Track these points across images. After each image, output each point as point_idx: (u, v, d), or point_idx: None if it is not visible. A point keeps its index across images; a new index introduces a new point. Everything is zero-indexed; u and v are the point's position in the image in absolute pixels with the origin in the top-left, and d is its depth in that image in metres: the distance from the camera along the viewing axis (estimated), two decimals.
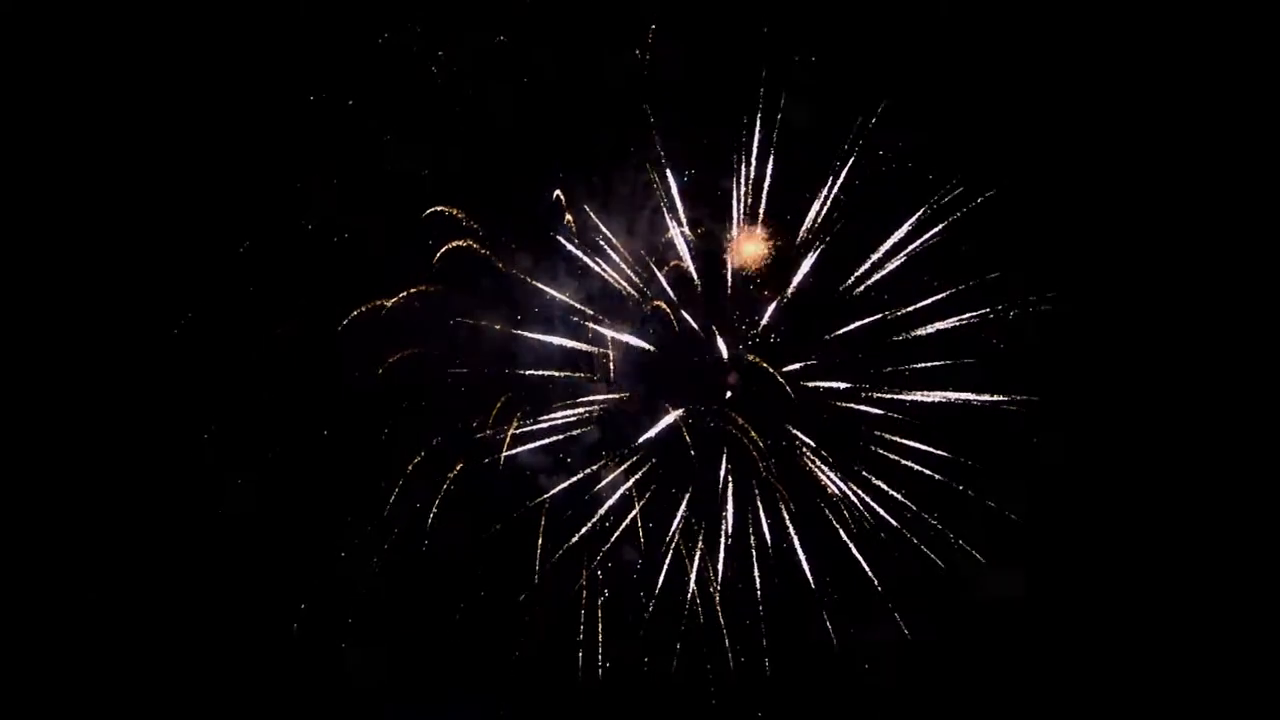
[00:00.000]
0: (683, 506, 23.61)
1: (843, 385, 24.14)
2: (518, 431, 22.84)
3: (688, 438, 23.64)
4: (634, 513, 23.47)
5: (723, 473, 23.71)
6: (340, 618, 22.35)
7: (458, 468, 22.43)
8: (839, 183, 23.75)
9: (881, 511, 23.76)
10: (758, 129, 23.25)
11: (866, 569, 23.64)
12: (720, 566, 23.60)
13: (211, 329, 21.19)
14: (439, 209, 22.16)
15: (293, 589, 22.01)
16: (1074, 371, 24.74)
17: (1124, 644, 24.68)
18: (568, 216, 23.13)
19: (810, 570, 23.74)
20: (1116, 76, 23.81)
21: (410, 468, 22.05)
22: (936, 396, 24.29)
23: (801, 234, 23.89)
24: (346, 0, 22.33)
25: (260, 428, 21.71)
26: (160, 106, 20.95)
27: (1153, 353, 24.14)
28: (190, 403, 21.13)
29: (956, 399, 24.56)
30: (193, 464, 21.16)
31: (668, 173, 23.16)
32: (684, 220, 23.33)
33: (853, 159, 23.52)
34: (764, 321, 23.83)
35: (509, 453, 22.77)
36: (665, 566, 23.44)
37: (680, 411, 23.43)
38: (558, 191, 22.93)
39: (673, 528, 23.52)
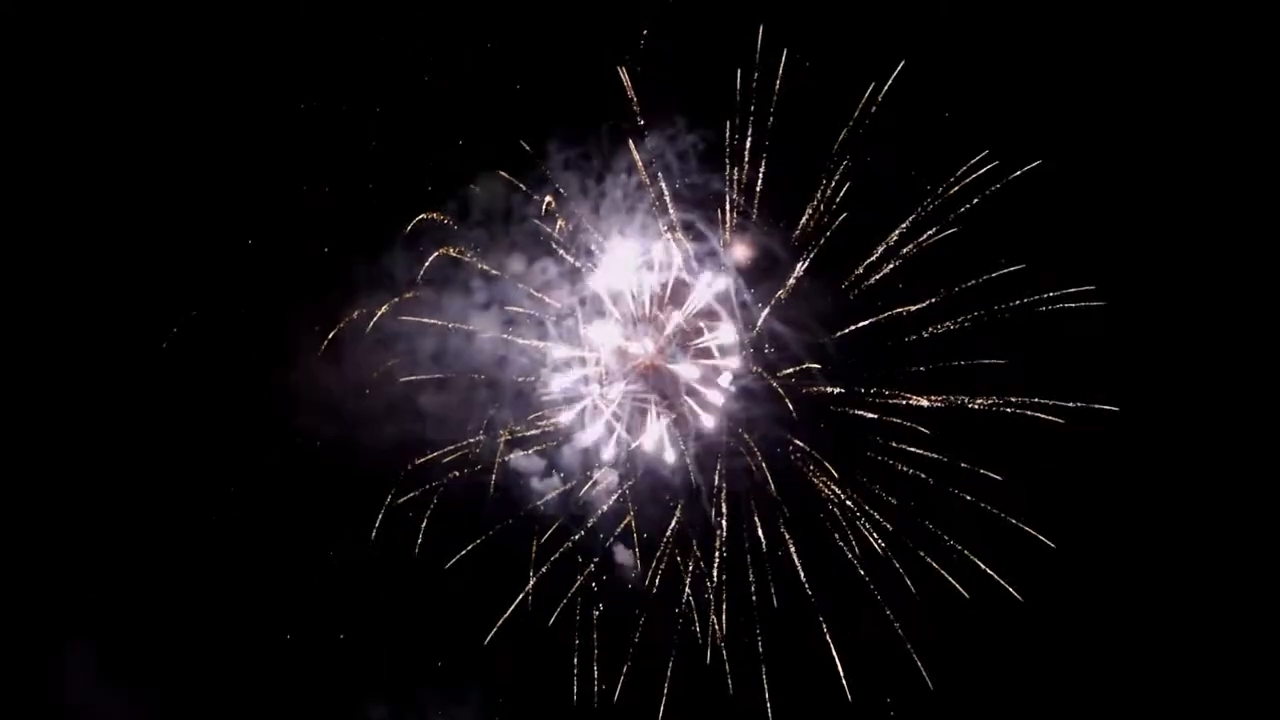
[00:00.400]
0: (676, 514, 23.00)
1: (844, 390, 22.99)
2: (510, 438, 22.90)
3: (682, 445, 23.06)
4: (628, 519, 23.07)
5: (717, 479, 22.94)
6: (332, 625, 22.85)
7: (450, 475, 22.64)
8: (835, 180, 22.79)
9: (878, 516, 22.52)
10: (750, 133, 22.63)
11: (861, 571, 22.44)
12: (715, 573, 22.82)
13: (200, 340, 22.20)
14: (428, 215, 22.57)
15: (286, 595, 22.66)
16: (1116, 374, 22.62)
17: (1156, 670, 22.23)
18: (560, 222, 23.11)
19: (807, 580, 22.64)
20: (1145, 65, 21.84)
21: (401, 473, 22.38)
22: (947, 401, 22.75)
23: (796, 236, 23.01)
24: (338, 8, 23.07)
25: (252, 436, 22.59)
26: (144, 120, 22.10)
27: (1201, 354, 21.72)
28: (181, 412, 22.12)
29: (975, 404, 22.94)
30: (188, 472, 22.10)
31: (659, 176, 22.81)
32: (676, 224, 22.87)
33: (846, 163, 22.59)
34: (759, 324, 22.99)
35: (501, 459, 22.83)
36: (659, 575, 22.86)
37: (673, 417, 22.87)
38: (549, 198, 22.93)
39: (666, 534, 22.95)
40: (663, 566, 22.87)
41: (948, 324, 22.83)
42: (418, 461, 22.51)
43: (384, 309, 22.39)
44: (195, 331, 22.06)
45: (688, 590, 22.81)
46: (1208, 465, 21.99)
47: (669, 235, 22.85)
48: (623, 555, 23.10)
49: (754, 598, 22.76)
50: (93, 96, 21.80)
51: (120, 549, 21.75)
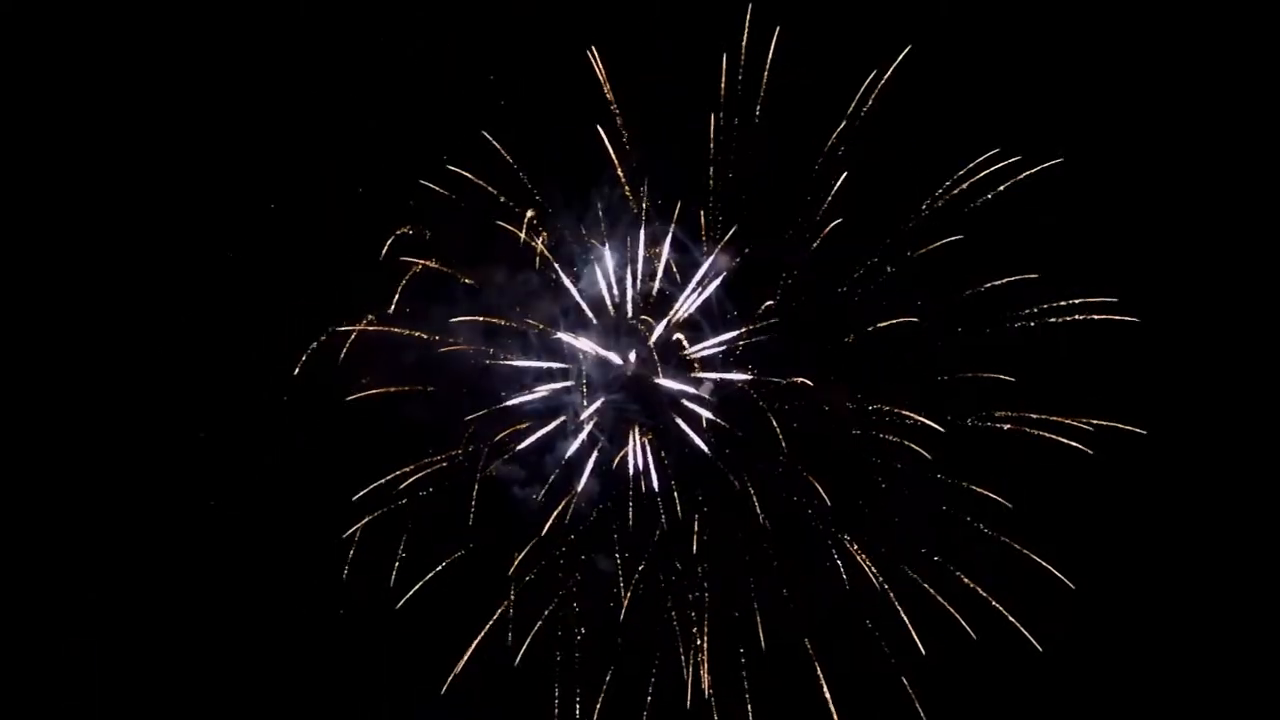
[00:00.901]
0: (658, 531, 22.12)
1: (838, 406, 21.49)
2: (490, 450, 22.54)
3: (665, 458, 22.12)
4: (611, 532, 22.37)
5: (700, 497, 21.93)
6: (312, 640, 23.17)
7: (430, 488, 22.47)
8: (831, 179, 21.22)
9: (870, 541, 21.00)
10: (737, 127, 21.36)
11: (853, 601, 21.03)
12: (698, 600, 21.85)
13: (185, 350, 22.72)
14: (408, 229, 22.32)
15: (267, 606, 23.11)
16: (1144, 393, 20.23)
17: None
18: (543, 233, 22.48)
19: (798, 616, 21.38)
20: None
21: (379, 486, 22.30)
22: (952, 421, 20.93)
23: (787, 240, 21.60)
24: (323, 20, 23.09)
25: (240, 447, 23.06)
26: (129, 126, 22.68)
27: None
28: (165, 424, 22.75)
29: (984, 424, 21.05)
30: (177, 480, 22.74)
31: (643, 189, 21.86)
32: (661, 233, 21.89)
33: (842, 159, 20.99)
34: (744, 335, 21.69)
35: (482, 471, 22.49)
36: (638, 590, 22.07)
37: (653, 425, 21.98)
38: (530, 211, 22.31)
39: (647, 553, 22.13)
40: (643, 587, 22.08)
41: (953, 336, 21.06)
42: (396, 474, 22.34)
43: (363, 323, 22.31)
44: (180, 341, 22.62)
45: (670, 609, 22.01)
46: (1248, 496, 19.33)
47: (652, 251, 21.91)
48: (605, 564, 22.42)
49: (737, 614, 21.68)
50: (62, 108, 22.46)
51: (117, 551, 22.55)
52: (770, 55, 21.09)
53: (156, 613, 22.75)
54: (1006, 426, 20.90)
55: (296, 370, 22.07)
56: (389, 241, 22.15)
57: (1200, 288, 19.58)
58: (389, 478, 22.29)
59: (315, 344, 22.08)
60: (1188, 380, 19.63)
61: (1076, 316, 20.20)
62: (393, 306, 22.17)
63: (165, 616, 22.79)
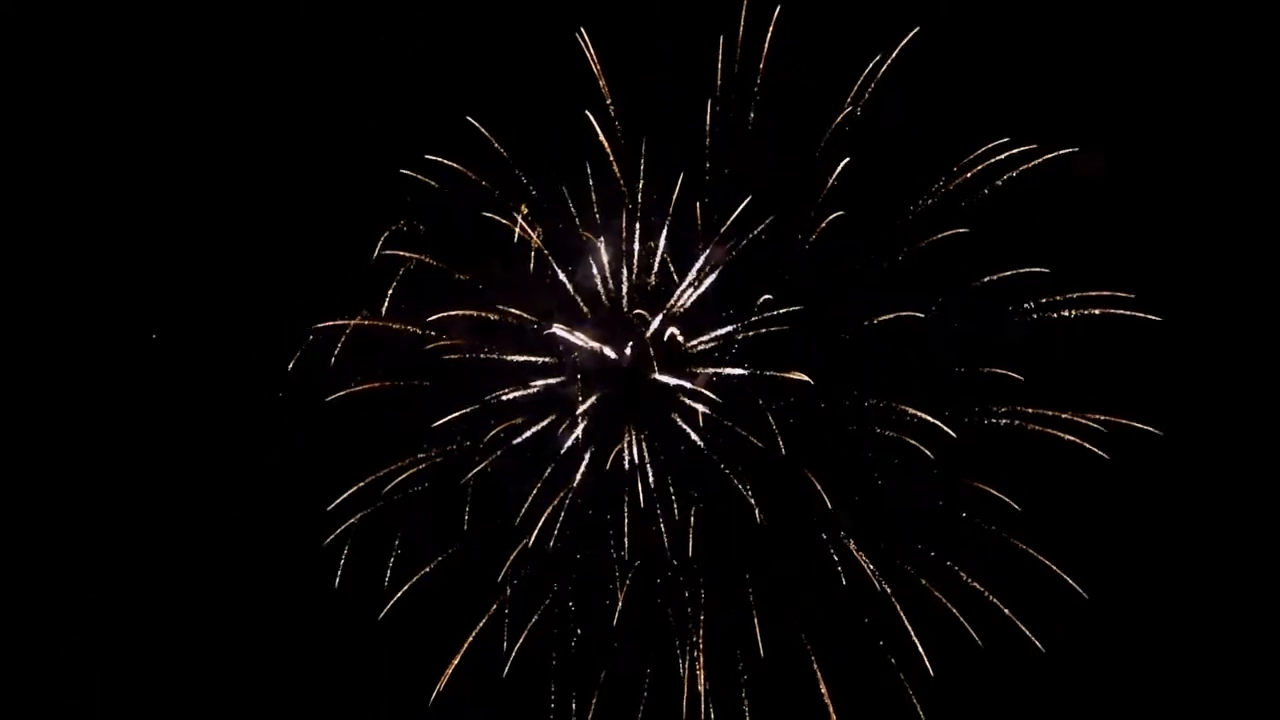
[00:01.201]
0: (659, 528, 21.73)
1: (839, 403, 20.90)
2: (484, 447, 22.31)
3: (661, 455, 21.69)
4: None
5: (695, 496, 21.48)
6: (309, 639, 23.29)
7: (424, 484, 22.34)
8: (831, 167, 20.44)
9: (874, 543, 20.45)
10: (733, 112, 20.71)
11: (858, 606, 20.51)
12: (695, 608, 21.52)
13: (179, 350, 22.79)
14: (401, 224, 22.04)
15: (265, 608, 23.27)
16: (1161, 392, 19.29)
17: None
18: (538, 228, 22.06)
19: (800, 620, 20.94)
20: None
21: (356, 489, 22.18)
22: (957, 419, 20.19)
23: (786, 231, 20.91)
24: (320, 18, 22.81)
25: (234, 447, 23.12)
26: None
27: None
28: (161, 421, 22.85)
29: (990, 423, 20.31)
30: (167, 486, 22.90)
31: (639, 181, 21.28)
32: (654, 229, 21.37)
33: (844, 147, 20.23)
34: (743, 329, 21.10)
35: (476, 469, 22.30)
36: (631, 596, 21.78)
37: (645, 432, 21.52)
38: (524, 206, 21.88)
39: (640, 555, 21.78)
40: (638, 585, 21.79)
41: (958, 332, 20.28)
42: (388, 470, 22.21)
43: (356, 319, 22.14)
44: (177, 341, 22.70)
45: (667, 608, 21.73)
46: (1267, 501, 18.34)
47: (648, 244, 21.39)
48: (599, 562, 22.12)
49: (734, 610, 21.30)
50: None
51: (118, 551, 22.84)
52: (769, 36, 20.38)
53: (157, 613, 22.99)
54: (1009, 423, 20.18)
55: (290, 366, 22.02)
56: (383, 237, 21.96)
57: (1220, 283, 18.50)
58: (380, 474, 22.21)
59: (309, 341, 22.02)
60: (1205, 379, 18.65)
61: (1090, 311, 19.34)
62: (386, 302, 22.04)
63: (165, 617, 23.03)
